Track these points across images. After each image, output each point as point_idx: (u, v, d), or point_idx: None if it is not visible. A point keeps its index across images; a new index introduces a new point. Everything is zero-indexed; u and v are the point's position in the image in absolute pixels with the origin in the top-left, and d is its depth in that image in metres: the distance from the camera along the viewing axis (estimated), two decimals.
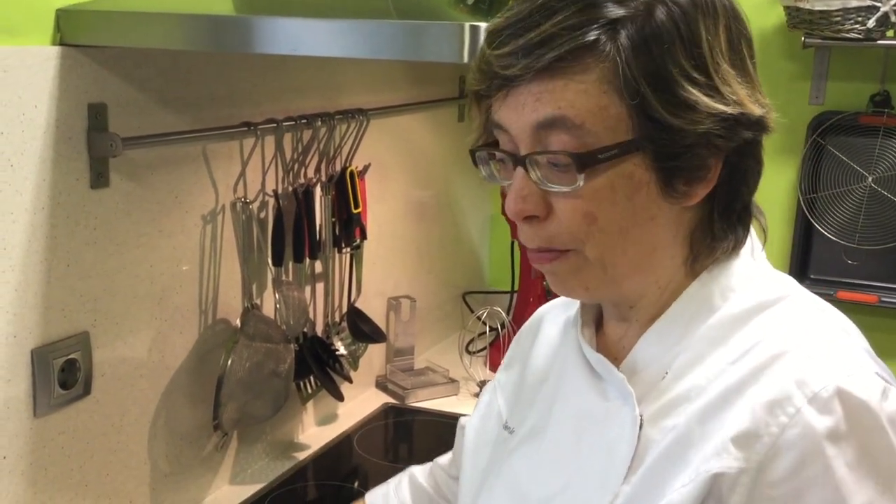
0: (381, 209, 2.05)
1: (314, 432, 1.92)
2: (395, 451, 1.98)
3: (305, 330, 1.77)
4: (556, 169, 0.79)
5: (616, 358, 0.89)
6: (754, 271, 0.87)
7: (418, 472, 1.25)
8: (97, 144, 1.31)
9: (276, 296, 1.67)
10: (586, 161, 0.78)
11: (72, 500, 1.36)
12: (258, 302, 1.67)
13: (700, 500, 0.75)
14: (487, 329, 2.22)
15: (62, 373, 1.30)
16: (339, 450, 1.89)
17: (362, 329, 1.92)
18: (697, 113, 0.77)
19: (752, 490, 0.74)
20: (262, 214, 1.67)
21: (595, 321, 0.94)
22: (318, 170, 1.79)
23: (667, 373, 0.83)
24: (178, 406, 1.54)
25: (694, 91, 0.77)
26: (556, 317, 1.04)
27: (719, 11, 0.80)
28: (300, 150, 1.72)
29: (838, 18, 1.94)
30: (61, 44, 1.27)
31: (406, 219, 2.21)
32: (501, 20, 0.80)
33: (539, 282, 2.28)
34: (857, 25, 1.93)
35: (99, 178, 1.33)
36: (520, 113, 0.79)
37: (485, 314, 2.20)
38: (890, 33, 2.02)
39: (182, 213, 1.51)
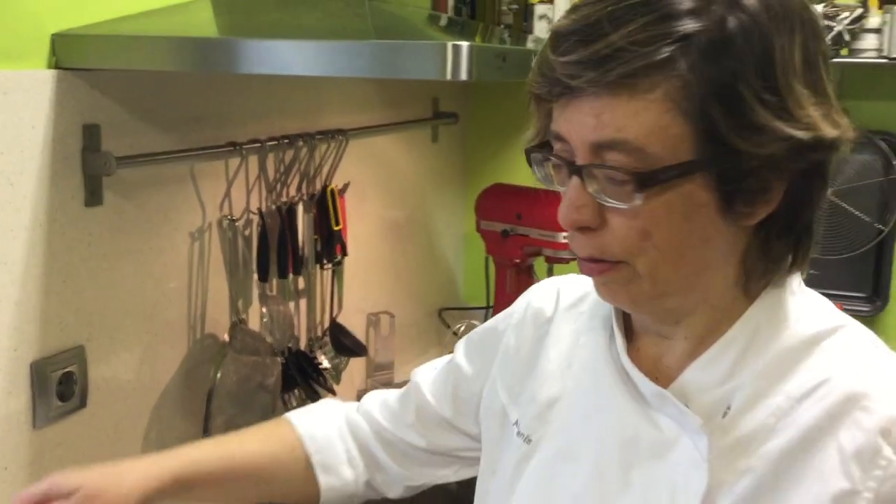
0: (358, 228, 2.11)
1: None
2: None
3: (290, 345, 1.81)
4: (613, 184, 0.77)
5: (656, 378, 0.86)
6: (806, 298, 0.86)
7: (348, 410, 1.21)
8: (91, 164, 1.36)
9: (263, 310, 1.71)
10: (645, 181, 0.75)
11: None
12: (244, 317, 1.71)
13: None
14: None
15: (60, 385, 1.34)
16: None
17: (344, 343, 1.97)
18: (766, 136, 0.74)
19: None
20: (248, 232, 1.72)
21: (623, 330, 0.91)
22: (299, 188, 1.84)
23: (729, 407, 0.81)
24: (168, 419, 1.58)
25: (764, 113, 0.74)
26: (563, 322, 1.00)
27: (796, 27, 0.76)
28: (283, 169, 1.78)
29: None
30: (57, 67, 1.31)
31: (382, 237, 2.27)
32: (567, 23, 0.77)
33: (514, 296, 2.33)
34: None
35: (93, 196, 1.38)
36: (579, 127, 0.77)
37: (462, 328, 2.25)
38: (844, 51, 2.11)
39: (171, 230, 1.56)
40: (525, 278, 2.35)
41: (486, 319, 2.39)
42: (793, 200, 0.80)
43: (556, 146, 0.82)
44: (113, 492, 0.96)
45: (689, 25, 0.73)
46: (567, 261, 2.21)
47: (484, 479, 1.03)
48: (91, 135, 1.36)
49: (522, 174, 2.57)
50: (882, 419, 0.77)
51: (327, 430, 1.15)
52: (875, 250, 2.26)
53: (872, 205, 2.23)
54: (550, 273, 2.27)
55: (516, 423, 0.98)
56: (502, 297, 2.37)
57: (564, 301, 1.02)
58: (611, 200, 0.78)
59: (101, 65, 1.33)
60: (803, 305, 0.86)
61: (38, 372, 1.30)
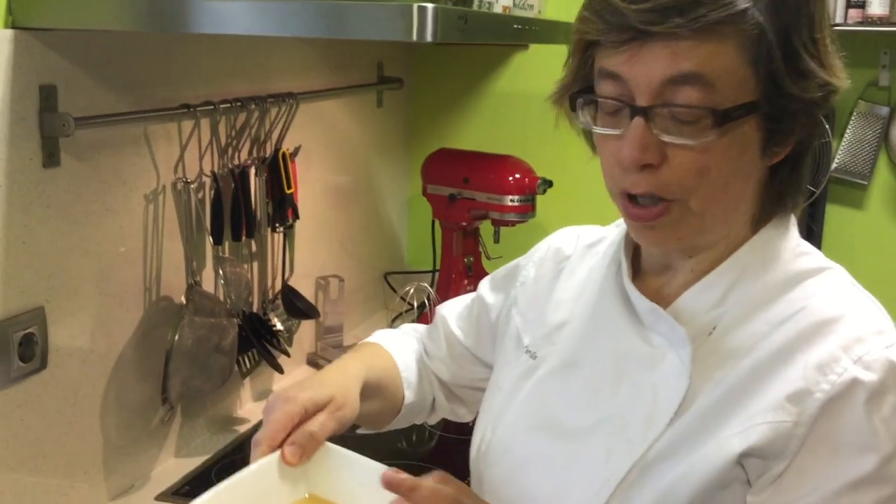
0: (304, 192, 2.11)
1: (252, 407, 1.99)
2: None
3: (244, 308, 1.83)
4: (680, 122, 0.84)
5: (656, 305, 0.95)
6: (795, 243, 0.95)
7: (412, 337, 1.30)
8: (49, 125, 1.35)
9: (220, 272, 1.72)
10: (722, 118, 0.83)
11: (31, 472, 1.39)
12: (199, 279, 1.72)
13: (757, 446, 0.84)
14: (415, 305, 2.31)
15: (20, 347, 1.34)
16: None
17: (297, 306, 1.99)
18: (810, 81, 0.85)
19: (805, 438, 0.84)
20: (201, 195, 1.72)
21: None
22: (251, 152, 1.85)
23: (714, 327, 0.91)
24: (126, 381, 1.59)
25: (810, 61, 0.85)
26: (583, 257, 1.09)
27: None
28: (234, 132, 1.78)
29: None
30: (13, 27, 1.30)
31: (329, 202, 2.28)
32: None
33: (460, 259, 2.38)
34: None
35: (51, 157, 1.37)
36: (649, 66, 0.83)
37: (411, 290, 2.29)
38: None
39: (126, 192, 1.56)
40: (471, 242, 2.40)
41: (432, 283, 2.45)
42: (802, 143, 0.90)
43: (608, 89, 0.87)
44: (352, 396, 1.00)
45: None
46: (513, 223, 2.26)
47: (490, 395, 1.11)
48: (48, 96, 1.36)
49: (467, 139, 2.61)
50: (846, 338, 0.86)
51: (408, 351, 1.24)
52: (807, 211, 2.35)
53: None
54: (497, 236, 2.31)
55: (528, 346, 1.07)
56: (449, 261, 2.41)
57: (583, 242, 1.11)
58: (678, 139, 0.84)
59: (56, 24, 1.33)
60: (795, 249, 0.95)
61: (0, 333, 1.30)
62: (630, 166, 0.85)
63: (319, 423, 0.92)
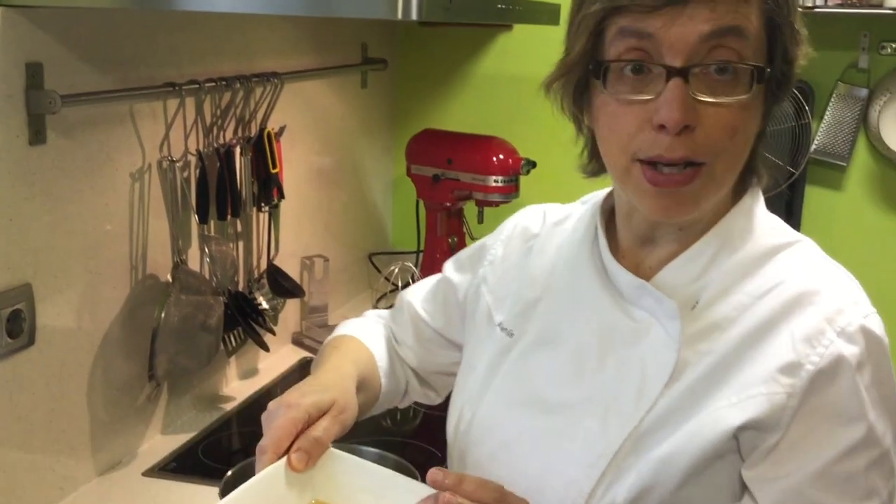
0: (289, 172, 2.13)
1: (237, 385, 2.00)
2: None
3: (230, 287, 1.84)
4: (715, 82, 0.86)
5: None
6: (766, 217, 0.99)
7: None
8: (35, 102, 1.35)
9: (206, 250, 1.73)
10: (761, 73, 0.87)
11: (19, 447, 1.41)
12: (184, 258, 1.73)
13: (754, 419, 0.87)
14: (399, 285, 2.33)
15: (8, 323, 1.35)
16: (262, 401, 1.97)
17: (283, 285, 2.00)
18: (802, 47, 0.91)
19: (798, 408, 0.87)
20: (186, 174, 1.73)
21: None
22: (236, 131, 1.86)
23: (697, 301, 0.93)
24: (112, 358, 1.60)
25: (801, 28, 0.91)
26: (552, 234, 1.10)
27: None
28: (219, 111, 1.79)
29: None
30: (0, 5, 1.30)
31: (313, 182, 2.29)
32: None
33: (444, 240, 2.40)
34: None
35: (37, 135, 1.38)
36: (686, 25, 0.84)
37: (396, 269, 2.30)
38: None
39: (112, 170, 1.56)
40: (455, 222, 2.41)
41: (416, 264, 2.47)
42: (770, 112, 0.94)
43: (633, 53, 0.87)
44: (351, 398, 1.01)
45: None
46: (497, 204, 2.28)
47: (464, 374, 1.12)
48: (34, 73, 1.36)
49: (451, 120, 2.62)
50: (828, 309, 0.90)
51: (381, 340, 1.23)
52: (787, 192, 2.38)
53: (785, 149, 2.34)
54: (480, 216, 2.33)
55: (500, 323, 1.08)
56: (433, 241, 2.42)
57: (550, 220, 1.12)
58: (720, 98, 0.86)
59: (43, 2, 1.33)
60: (766, 222, 0.98)
61: None
62: (673, 128, 0.85)
63: (323, 428, 0.92)
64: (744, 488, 0.90)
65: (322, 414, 0.93)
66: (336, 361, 1.13)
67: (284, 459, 0.88)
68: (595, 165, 1.01)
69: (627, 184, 0.92)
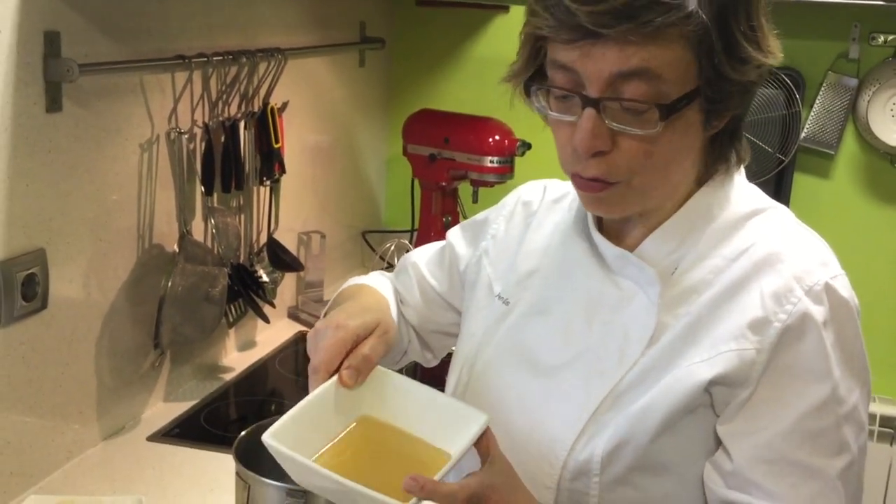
0: (288, 148, 2.15)
1: (236, 356, 2.03)
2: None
3: (232, 259, 1.87)
4: (629, 113, 0.89)
5: None
6: (744, 186, 1.03)
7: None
8: (53, 70, 1.38)
9: (211, 221, 1.76)
10: (669, 111, 0.88)
11: (30, 408, 1.43)
12: (189, 228, 1.76)
13: (724, 374, 0.92)
14: (396, 263, 2.35)
15: (23, 286, 1.37)
16: (259, 373, 2.01)
17: (283, 259, 2.03)
18: (748, 65, 0.91)
19: (767, 363, 0.92)
20: (192, 146, 1.76)
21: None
22: (240, 106, 1.88)
23: (676, 268, 0.98)
24: (119, 325, 1.63)
25: (747, 46, 0.91)
26: (548, 212, 1.15)
27: None
28: (224, 86, 1.81)
29: None
30: None
31: (310, 159, 2.31)
32: None
33: (439, 218, 2.43)
34: None
35: (53, 103, 1.40)
36: (599, 61, 0.88)
37: (392, 247, 2.34)
38: None
39: (122, 140, 1.59)
40: (450, 201, 2.45)
41: (410, 241, 2.50)
42: (738, 112, 0.97)
43: (560, 78, 0.92)
44: (393, 321, 1.07)
45: None
46: (492, 184, 2.31)
47: (463, 340, 1.17)
48: (52, 42, 1.38)
49: (447, 100, 2.65)
50: (796, 269, 0.94)
51: (390, 293, 1.26)
52: (775, 179, 2.43)
53: (775, 136, 2.39)
54: (475, 196, 2.36)
55: (499, 293, 1.13)
56: (428, 220, 2.46)
57: (549, 197, 1.17)
58: (629, 129, 0.90)
59: None
60: (742, 192, 1.02)
61: (4, 272, 1.33)
62: (585, 153, 0.91)
63: (371, 346, 0.96)
64: (718, 443, 0.95)
65: (368, 334, 0.97)
66: (371, 291, 1.17)
67: (335, 378, 0.92)
68: None
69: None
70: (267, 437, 0.84)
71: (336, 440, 0.91)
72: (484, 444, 0.90)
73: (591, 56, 0.88)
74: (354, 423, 0.93)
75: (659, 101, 0.88)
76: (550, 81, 0.94)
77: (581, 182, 0.96)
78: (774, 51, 0.94)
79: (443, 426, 0.91)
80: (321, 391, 0.91)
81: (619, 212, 0.99)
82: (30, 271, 1.38)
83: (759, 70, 0.93)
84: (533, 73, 0.97)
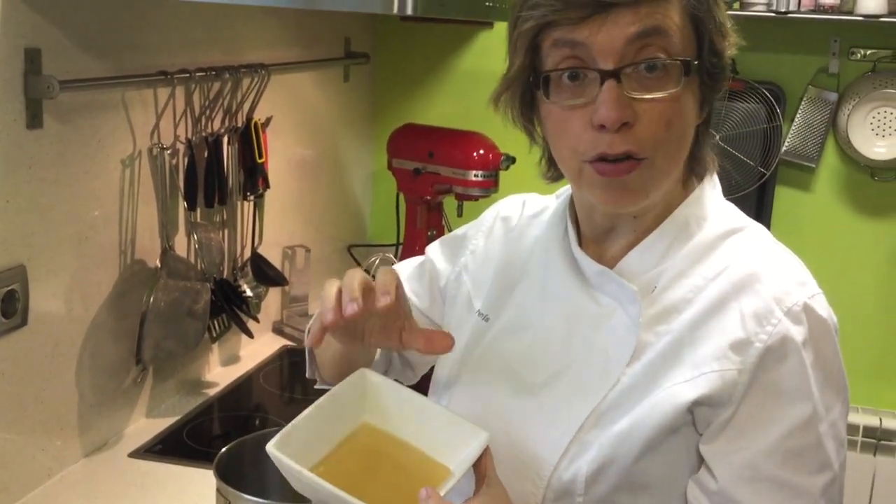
0: (273, 163, 2.16)
1: (220, 371, 2.03)
2: (293, 389, 2.10)
3: (216, 275, 1.87)
4: (646, 79, 0.91)
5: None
6: (721, 203, 1.04)
7: None
8: (33, 87, 1.38)
9: (194, 237, 1.77)
10: (688, 66, 0.91)
11: (12, 424, 1.43)
12: (172, 244, 1.76)
13: (707, 394, 0.92)
14: None
15: (3, 303, 1.37)
16: (244, 387, 2.01)
17: (267, 273, 2.03)
18: (728, 39, 0.95)
19: (749, 384, 0.92)
20: (175, 161, 1.76)
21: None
22: (224, 121, 1.89)
23: (656, 286, 0.99)
24: (101, 341, 1.62)
25: (727, 20, 0.95)
26: (527, 227, 1.15)
27: None
28: (207, 101, 1.82)
29: None
30: None
31: (295, 173, 2.32)
32: None
33: (424, 232, 2.44)
34: None
35: (34, 119, 1.40)
36: (612, 30, 0.90)
37: (377, 261, 2.34)
38: (737, 6, 2.26)
39: (104, 156, 1.59)
40: (435, 215, 2.45)
41: (396, 255, 2.50)
42: (711, 108, 1.00)
43: (568, 62, 0.92)
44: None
45: None
46: (476, 198, 2.32)
47: (442, 358, 1.16)
48: (33, 58, 1.39)
49: (431, 114, 2.67)
50: (775, 289, 0.95)
51: None
52: (757, 192, 2.45)
53: (756, 150, 2.41)
54: (460, 210, 2.37)
55: (478, 309, 1.13)
56: (413, 234, 2.46)
57: (528, 211, 1.17)
58: (651, 94, 0.91)
59: None
60: (719, 209, 1.03)
61: None
62: (611, 126, 0.90)
63: (388, 277, 0.93)
64: (701, 462, 0.95)
65: (398, 286, 0.95)
66: None
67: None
68: (554, 172, 1.06)
69: (581, 183, 0.98)
70: (271, 447, 0.84)
71: (337, 448, 0.92)
72: (482, 464, 0.91)
73: (603, 28, 0.89)
74: (356, 431, 0.94)
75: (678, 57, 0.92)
76: (556, 68, 0.93)
77: (607, 167, 0.93)
78: (734, 32, 0.98)
79: (443, 439, 0.92)
80: (324, 400, 0.91)
81: (639, 199, 0.97)
82: (10, 288, 1.38)
83: (733, 49, 0.97)
84: (531, 75, 0.96)
